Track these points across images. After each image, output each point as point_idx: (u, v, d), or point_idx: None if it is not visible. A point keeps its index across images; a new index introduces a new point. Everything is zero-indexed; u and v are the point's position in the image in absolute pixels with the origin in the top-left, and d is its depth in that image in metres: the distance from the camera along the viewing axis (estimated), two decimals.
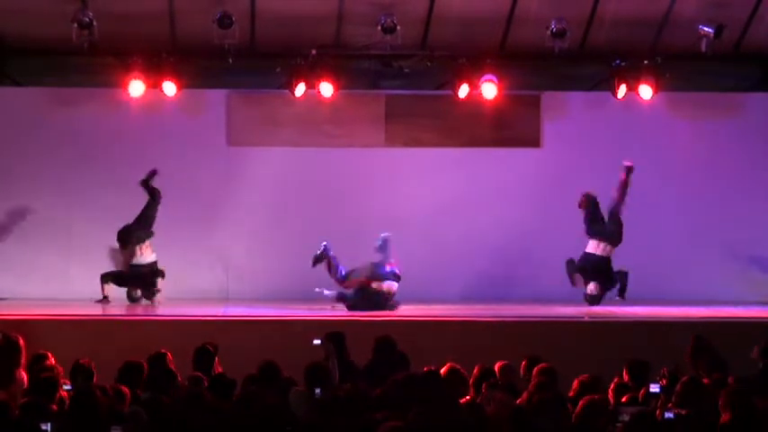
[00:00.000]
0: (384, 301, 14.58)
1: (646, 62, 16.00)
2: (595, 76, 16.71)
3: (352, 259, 16.32)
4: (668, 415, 7.98)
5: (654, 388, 8.89)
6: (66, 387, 9.11)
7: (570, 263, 15.41)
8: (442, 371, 9.84)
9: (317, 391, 9.00)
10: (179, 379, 9.70)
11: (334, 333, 10.88)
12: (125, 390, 8.80)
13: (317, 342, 10.48)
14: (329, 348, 10.35)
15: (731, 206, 16.89)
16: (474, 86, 16.04)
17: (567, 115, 16.96)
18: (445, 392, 8.94)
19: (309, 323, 12.96)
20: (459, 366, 9.94)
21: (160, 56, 15.68)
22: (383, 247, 14.89)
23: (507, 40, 16.13)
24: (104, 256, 16.28)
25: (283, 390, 9.32)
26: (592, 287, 15.34)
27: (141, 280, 15.42)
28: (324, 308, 14.64)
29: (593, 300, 15.31)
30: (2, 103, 16.66)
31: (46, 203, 16.46)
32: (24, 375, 9.86)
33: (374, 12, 15.43)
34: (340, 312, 14.37)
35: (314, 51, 15.70)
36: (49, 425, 7.48)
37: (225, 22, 15.14)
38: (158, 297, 15.33)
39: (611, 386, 9.56)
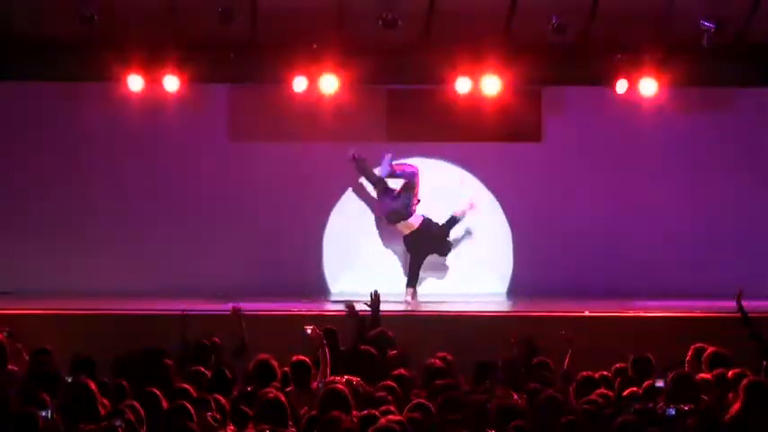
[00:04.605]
0: None
1: (647, 57, 15.99)
2: (596, 70, 16.67)
3: (354, 253, 16.41)
4: (670, 411, 7.97)
5: (659, 383, 8.87)
6: (69, 381, 9.10)
7: None
8: (435, 361, 9.86)
9: (320, 385, 8.99)
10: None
11: (327, 329, 10.87)
12: (123, 384, 8.81)
13: (308, 330, 10.44)
14: (320, 340, 10.31)
15: (733, 200, 16.87)
16: (475, 81, 16.05)
17: (568, 110, 16.94)
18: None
19: (309, 318, 12.92)
20: (449, 356, 9.97)
21: (161, 50, 15.67)
22: None
23: (508, 34, 16.11)
24: (108, 248, 16.32)
25: (282, 385, 9.32)
26: None
27: None
28: (323, 302, 14.66)
29: None
30: (2, 98, 16.64)
31: (48, 198, 16.45)
32: (18, 372, 9.83)
33: (375, 6, 15.41)
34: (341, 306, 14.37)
35: (315, 45, 15.70)
36: (48, 411, 7.48)
37: (226, 16, 15.12)
38: None
39: (615, 381, 9.56)
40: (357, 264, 16.59)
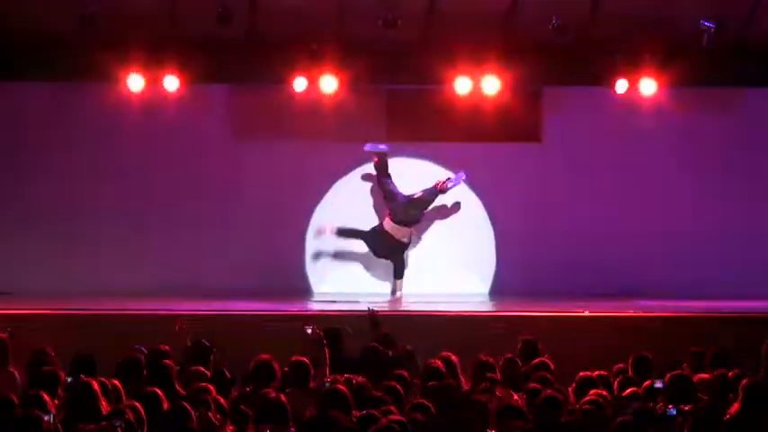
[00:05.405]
0: None
1: (647, 57, 15.99)
2: (596, 70, 16.66)
3: (353, 251, 16.40)
4: (671, 411, 7.98)
5: (658, 384, 8.89)
6: (69, 381, 9.11)
7: None
8: (435, 361, 9.88)
9: (321, 385, 9.00)
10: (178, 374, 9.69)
11: (330, 330, 10.87)
12: (123, 384, 8.82)
13: (308, 330, 10.45)
14: (320, 340, 10.32)
15: (733, 200, 16.87)
16: (475, 81, 16.07)
17: (568, 110, 16.93)
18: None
19: (310, 319, 12.94)
20: (451, 356, 9.99)
21: (161, 50, 15.68)
22: None
23: (509, 34, 16.10)
24: (108, 248, 16.32)
25: (282, 385, 9.33)
26: None
27: None
28: (324, 303, 14.68)
29: None
30: (3, 98, 16.65)
31: (47, 198, 16.46)
32: (17, 374, 9.84)
33: (375, 6, 15.41)
34: (340, 307, 14.40)
35: (315, 45, 15.70)
36: (51, 415, 7.49)
37: (226, 15, 15.12)
38: None
39: (615, 381, 9.57)
40: (353, 263, 16.62)
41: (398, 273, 16.00)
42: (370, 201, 16.48)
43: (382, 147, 16.27)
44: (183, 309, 13.69)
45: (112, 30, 15.23)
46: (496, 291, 16.67)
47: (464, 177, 16.33)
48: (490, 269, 16.83)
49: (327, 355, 10.04)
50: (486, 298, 16.53)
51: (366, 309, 12.13)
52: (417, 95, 16.81)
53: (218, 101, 16.76)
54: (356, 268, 16.57)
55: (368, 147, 16.25)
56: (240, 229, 16.54)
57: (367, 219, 16.23)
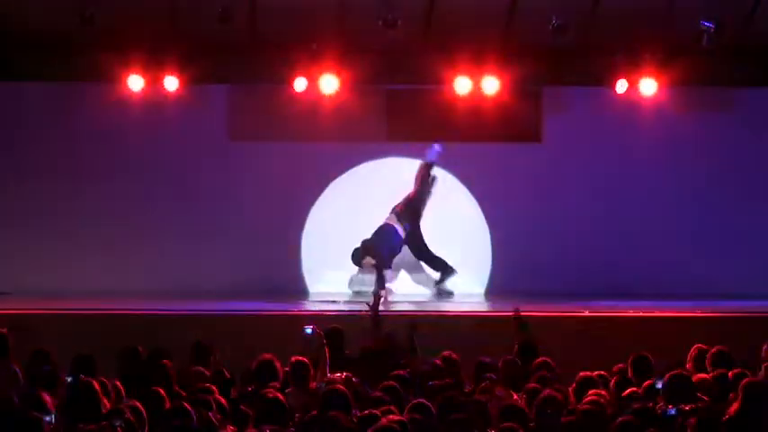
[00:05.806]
0: None
1: (647, 57, 15.99)
2: (596, 70, 16.67)
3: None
4: (671, 411, 7.98)
5: (658, 384, 8.88)
6: (69, 380, 9.11)
7: None
8: (436, 361, 9.88)
9: (321, 385, 9.00)
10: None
11: (332, 329, 10.88)
12: (123, 384, 8.82)
13: (308, 330, 10.44)
14: (320, 340, 10.32)
15: (732, 200, 16.88)
16: (475, 81, 16.07)
17: (568, 110, 16.94)
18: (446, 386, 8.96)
19: (311, 318, 12.93)
20: (452, 356, 9.99)
21: (161, 50, 15.68)
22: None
23: (509, 34, 16.11)
24: (108, 248, 16.32)
25: (282, 385, 9.33)
26: None
27: None
28: (325, 303, 14.68)
29: None
30: (3, 98, 16.65)
31: (48, 198, 16.46)
32: (18, 370, 9.84)
33: (375, 6, 15.41)
34: (341, 307, 14.40)
35: (315, 45, 15.71)
36: (52, 416, 7.49)
37: (226, 15, 15.12)
38: None
39: (613, 381, 9.57)
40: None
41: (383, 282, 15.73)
42: (369, 201, 16.44)
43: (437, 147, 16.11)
44: (184, 308, 13.71)
45: (112, 30, 15.23)
46: (494, 291, 16.66)
47: (438, 149, 16.19)
48: (487, 269, 16.83)
49: (327, 355, 10.03)
50: (483, 298, 16.53)
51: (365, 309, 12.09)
52: (417, 95, 16.81)
53: (218, 101, 16.76)
54: (354, 268, 16.53)
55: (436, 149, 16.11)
56: (240, 229, 16.53)
57: (365, 219, 16.19)
